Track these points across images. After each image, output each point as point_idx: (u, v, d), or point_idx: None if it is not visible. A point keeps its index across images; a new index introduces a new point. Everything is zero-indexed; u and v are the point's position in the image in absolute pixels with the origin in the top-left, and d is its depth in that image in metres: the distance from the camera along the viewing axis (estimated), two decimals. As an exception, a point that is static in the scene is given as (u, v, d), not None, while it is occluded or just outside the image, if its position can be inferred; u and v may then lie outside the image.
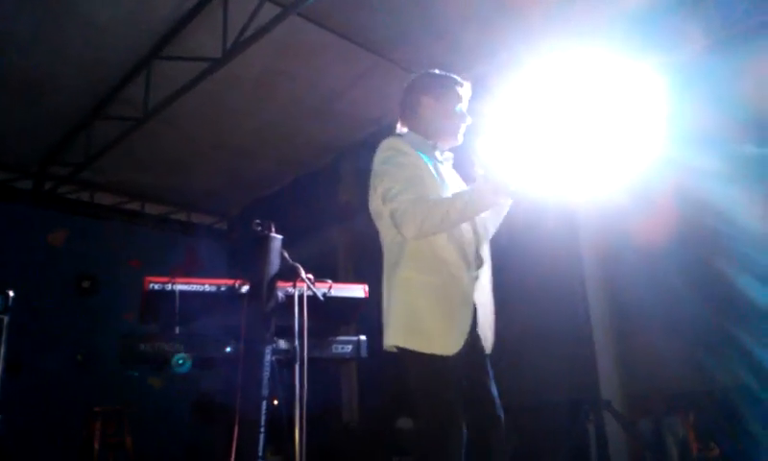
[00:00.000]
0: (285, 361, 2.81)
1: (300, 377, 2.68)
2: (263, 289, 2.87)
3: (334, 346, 3.16)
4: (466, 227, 2.21)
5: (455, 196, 2.09)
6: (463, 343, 2.05)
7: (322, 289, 3.00)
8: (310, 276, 2.94)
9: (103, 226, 6.89)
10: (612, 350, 4.86)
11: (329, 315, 3.14)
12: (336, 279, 3.18)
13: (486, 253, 2.29)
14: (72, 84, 5.08)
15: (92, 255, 6.69)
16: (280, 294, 2.89)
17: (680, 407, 4.55)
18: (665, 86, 2.83)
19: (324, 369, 3.16)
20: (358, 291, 3.26)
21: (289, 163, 6.63)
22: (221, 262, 6.93)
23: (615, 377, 4.76)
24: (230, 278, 3.07)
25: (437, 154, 2.33)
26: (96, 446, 4.52)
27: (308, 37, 4.66)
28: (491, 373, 2.20)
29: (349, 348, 3.19)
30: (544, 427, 4.89)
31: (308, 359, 2.74)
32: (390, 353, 2.20)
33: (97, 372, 6.32)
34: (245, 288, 2.94)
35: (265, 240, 2.96)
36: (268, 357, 2.78)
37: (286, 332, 2.81)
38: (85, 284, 6.66)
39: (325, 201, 6.44)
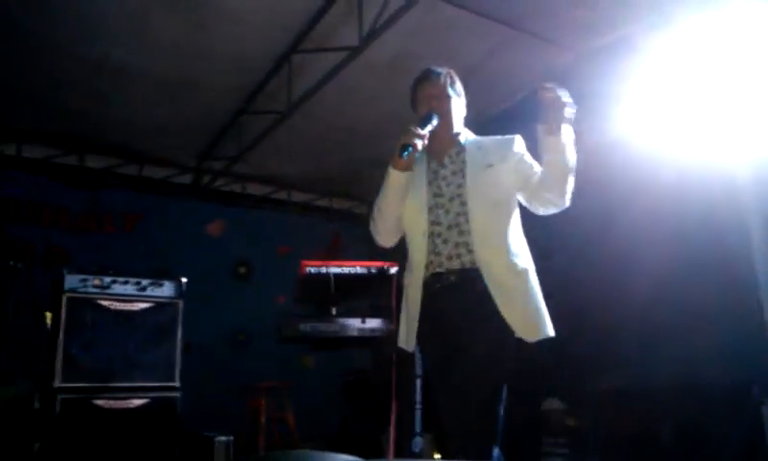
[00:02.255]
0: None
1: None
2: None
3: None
4: (413, 229, 2.29)
5: None
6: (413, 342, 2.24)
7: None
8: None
9: (254, 215, 7.34)
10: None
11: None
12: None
13: (457, 247, 2.23)
14: (221, 82, 5.41)
15: (246, 243, 7.16)
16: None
17: None
18: None
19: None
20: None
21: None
22: (363, 246, 7.15)
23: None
24: (372, 260, 3.16)
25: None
26: (262, 420, 4.84)
27: (440, 16, 4.62)
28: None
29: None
30: (703, 410, 4.58)
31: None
32: None
33: (255, 351, 6.80)
34: (393, 270, 3.01)
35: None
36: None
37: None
38: (242, 270, 7.16)
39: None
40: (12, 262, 3.57)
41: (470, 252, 2.19)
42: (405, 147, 2.12)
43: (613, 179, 5.17)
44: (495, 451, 2.09)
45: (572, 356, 5.49)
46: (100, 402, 3.43)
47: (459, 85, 2.47)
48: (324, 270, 3.03)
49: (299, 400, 5.45)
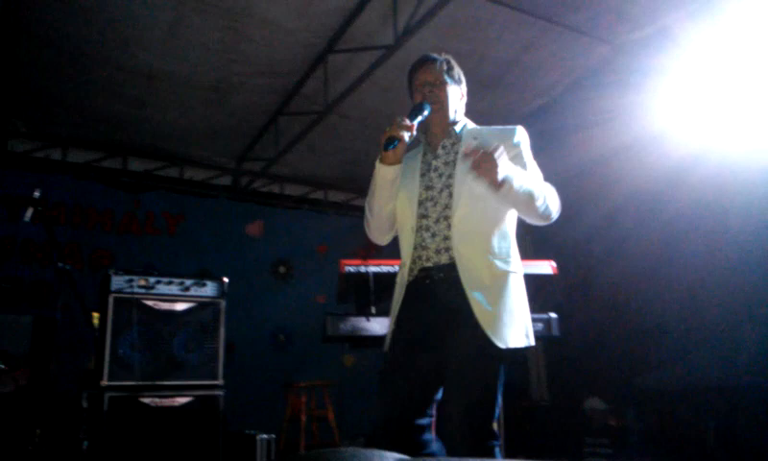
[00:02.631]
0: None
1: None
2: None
3: (524, 323, 3.13)
4: (403, 224, 2.19)
5: None
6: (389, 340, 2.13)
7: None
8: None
9: (293, 215, 7.41)
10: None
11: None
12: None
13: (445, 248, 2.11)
14: (259, 84, 5.47)
15: (285, 243, 7.24)
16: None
17: None
18: None
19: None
20: (545, 268, 3.18)
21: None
22: (395, 244, 7.15)
23: None
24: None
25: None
26: (303, 418, 4.89)
27: (475, 12, 4.59)
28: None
29: (540, 326, 3.13)
30: (745, 411, 4.46)
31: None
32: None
33: (295, 349, 6.86)
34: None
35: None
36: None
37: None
38: (281, 270, 7.24)
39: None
40: (60, 264, 3.67)
41: (450, 249, 2.08)
42: (391, 140, 2.02)
43: (652, 173, 5.08)
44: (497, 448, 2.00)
45: (614, 356, 5.42)
46: (146, 400, 3.52)
47: (457, 71, 2.31)
48: (362, 269, 3.04)
49: (339, 399, 5.49)
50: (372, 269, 3.04)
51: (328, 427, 5.16)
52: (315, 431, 5.34)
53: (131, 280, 3.67)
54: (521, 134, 2.22)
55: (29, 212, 3.77)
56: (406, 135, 2.03)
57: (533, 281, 3.14)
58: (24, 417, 4.44)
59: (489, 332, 1.96)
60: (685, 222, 5.03)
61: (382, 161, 2.10)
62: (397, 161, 2.11)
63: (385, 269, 3.05)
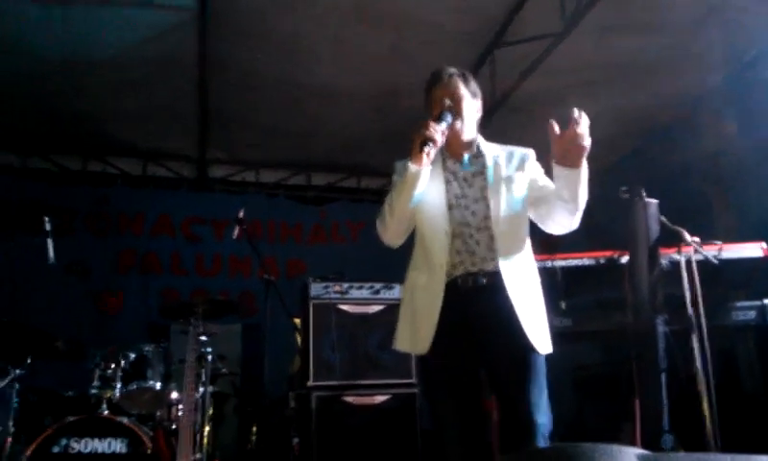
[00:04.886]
0: (680, 331, 2.67)
1: (700, 347, 2.51)
2: (645, 258, 2.76)
3: (734, 312, 2.88)
4: (434, 228, 2.22)
5: None
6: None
7: (711, 252, 2.76)
8: (696, 238, 2.73)
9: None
10: None
11: (722, 279, 2.88)
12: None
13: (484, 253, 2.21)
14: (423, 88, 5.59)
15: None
16: (664, 261, 2.75)
17: None
18: None
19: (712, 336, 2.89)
20: (755, 250, 2.90)
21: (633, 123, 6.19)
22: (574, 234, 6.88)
23: None
24: (591, 249, 3.05)
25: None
26: (494, 416, 4.89)
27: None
28: (527, 374, 2.14)
29: (753, 313, 2.87)
30: None
31: (707, 328, 2.55)
32: None
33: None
34: (624, 259, 2.88)
35: (638, 206, 2.85)
36: (660, 328, 2.67)
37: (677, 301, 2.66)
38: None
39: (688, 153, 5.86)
40: (266, 275, 4.05)
41: (496, 258, 2.17)
42: (425, 142, 2.06)
43: None
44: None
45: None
46: (349, 399, 3.75)
47: (474, 85, 2.37)
48: (549, 264, 2.99)
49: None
50: (560, 263, 2.98)
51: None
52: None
53: (327, 287, 3.94)
54: (533, 158, 2.38)
55: (235, 230, 4.22)
56: (439, 139, 2.09)
57: (742, 265, 2.89)
58: (241, 417, 4.95)
59: (532, 340, 2.11)
60: None
61: (415, 162, 2.10)
62: (428, 164, 2.13)
63: (573, 262, 2.98)
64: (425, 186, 2.17)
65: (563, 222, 2.23)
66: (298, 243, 6.92)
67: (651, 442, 2.59)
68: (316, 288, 3.93)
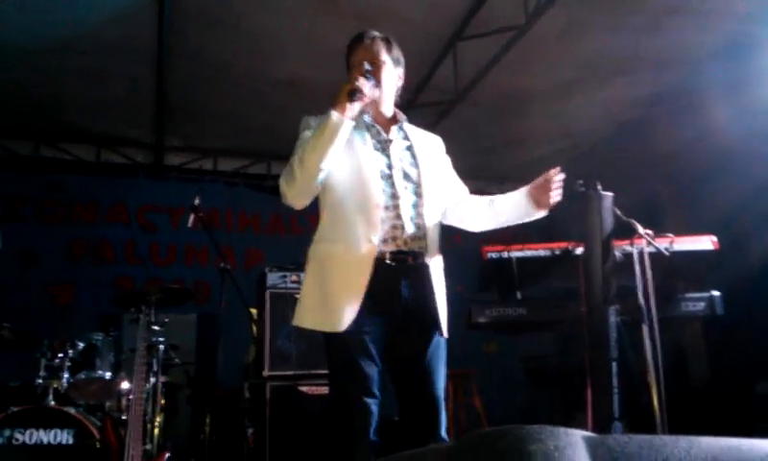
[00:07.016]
0: (631, 322, 2.71)
1: (650, 337, 2.56)
2: (599, 250, 2.80)
3: (684, 303, 2.95)
4: (362, 199, 2.06)
5: None
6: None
7: (663, 244, 2.81)
8: (649, 231, 2.77)
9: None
10: None
11: (673, 271, 2.94)
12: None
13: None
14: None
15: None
16: (618, 253, 2.79)
17: None
18: None
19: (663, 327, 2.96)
20: (705, 243, 2.97)
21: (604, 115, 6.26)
22: (532, 226, 6.94)
23: None
24: (550, 241, 3.08)
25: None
26: (450, 405, 4.93)
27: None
28: (441, 356, 2.13)
29: (702, 305, 2.93)
30: None
31: (657, 318, 2.60)
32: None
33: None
34: (579, 250, 2.91)
35: (593, 199, 2.88)
36: (612, 318, 2.71)
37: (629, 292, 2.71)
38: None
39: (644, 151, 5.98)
40: (222, 264, 3.98)
41: (424, 237, 2.11)
42: (353, 92, 1.93)
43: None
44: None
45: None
46: (304, 389, 3.72)
47: (397, 52, 2.26)
48: (505, 254, 3.01)
49: (482, 386, 5.47)
50: (516, 254, 3.00)
51: (476, 413, 5.17)
52: (461, 418, 5.36)
53: (284, 276, 3.89)
54: (442, 146, 2.41)
55: (190, 218, 4.12)
56: (367, 91, 1.99)
57: (693, 257, 2.95)
58: (195, 407, 4.87)
59: (443, 328, 2.12)
60: None
61: (338, 111, 1.95)
62: (353, 118, 1.99)
63: (528, 253, 3.00)
64: (352, 150, 2.07)
65: (479, 227, 2.32)
66: (256, 233, 6.83)
67: (602, 429, 2.63)
68: (273, 278, 3.89)
